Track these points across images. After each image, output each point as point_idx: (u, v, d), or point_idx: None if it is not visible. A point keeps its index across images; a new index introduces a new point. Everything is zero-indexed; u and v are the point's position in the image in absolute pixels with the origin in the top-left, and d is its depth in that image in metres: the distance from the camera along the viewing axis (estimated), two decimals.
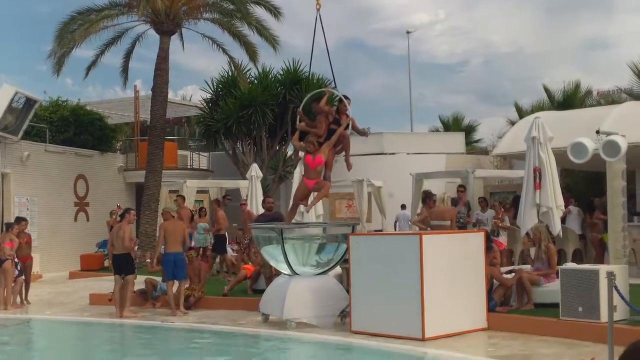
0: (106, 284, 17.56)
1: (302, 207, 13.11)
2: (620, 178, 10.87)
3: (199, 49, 59.35)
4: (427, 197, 15.42)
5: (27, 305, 15.57)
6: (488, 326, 10.69)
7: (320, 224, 15.35)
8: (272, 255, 12.32)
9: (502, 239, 15.69)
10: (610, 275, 8.46)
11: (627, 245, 11.32)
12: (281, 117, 25.22)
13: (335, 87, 14.11)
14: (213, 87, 26.53)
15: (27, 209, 22.24)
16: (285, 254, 11.76)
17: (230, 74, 25.69)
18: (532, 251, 12.44)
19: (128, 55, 24.77)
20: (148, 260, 16.39)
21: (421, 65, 70.81)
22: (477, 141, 37.55)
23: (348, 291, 11.32)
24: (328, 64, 14.03)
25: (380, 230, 20.65)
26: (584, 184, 22.37)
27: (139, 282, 14.68)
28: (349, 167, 12.58)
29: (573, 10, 70.48)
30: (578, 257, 16.41)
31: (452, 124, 37.11)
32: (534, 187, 12.14)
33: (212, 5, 23.69)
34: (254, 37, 23.87)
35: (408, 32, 41.45)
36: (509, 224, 16.15)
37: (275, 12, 23.56)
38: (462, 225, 15.20)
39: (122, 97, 30.59)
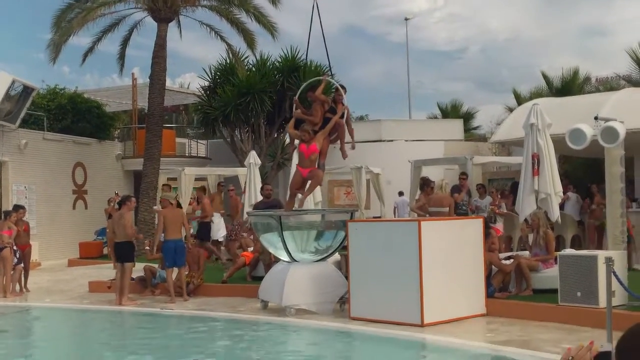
0: (105, 271, 17.61)
1: (299, 195, 13.11)
2: (619, 164, 10.87)
3: (196, 37, 59.17)
4: (425, 184, 15.42)
5: (26, 293, 15.59)
6: (487, 312, 10.73)
7: (319, 210, 15.37)
8: (271, 242, 12.33)
9: (499, 225, 15.71)
10: (609, 261, 8.49)
11: (625, 232, 11.34)
12: (279, 105, 25.17)
13: (332, 73, 14.14)
14: (211, 74, 26.46)
15: (26, 197, 22.24)
16: (284, 241, 11.77)
17: (228, 61, 25.62)
18: (530, 237, 12.47)
19: (125, 43, 24.71)
20: (147, 247, 16.39)
21: (420, 52, 70.74)
22: (475, 128, 37.57)
23: (347, 278, 11.35)
24: (326, 51, 14.02)
25: (379, 217, 20.67)
26: (582, 170, 22.41)
27: (138, 269, 14.70)
28: (344, 155, 12.57)
29: None
30: (577, 243, 16.43)
31: (450, 111, 37.09)
32: (532, 173, 12.13)
33: None
34: (251, 25, 23.84)
35: (406, 19, 41.37)
36: (505, 211, 16.17)
37: None
38: (464, 213, 15.14)
39: (120, 84, 30.57)
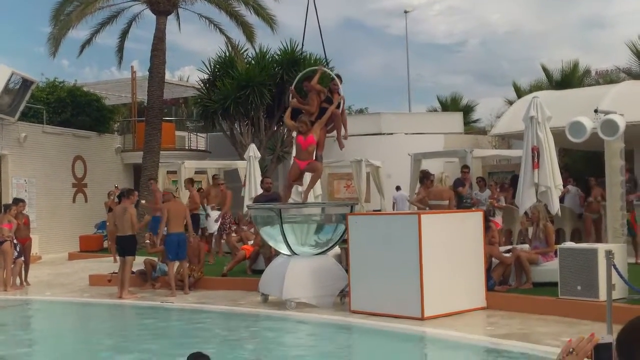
0: (105, 265, 17.62)
1: (299, 188, 13.10)
2: (619, 157, 10.86)
3: (195, 30, 59.24)
4: (425, 177, 15.41)
5: (26, 287, 15.60)
6: (487, 305, 10.74)
7: (319, 204, 15.38)
8: (271, 235, 12.34)
9: (498, 218, 15.70)
10: (609, 254, 8.50)
11: (625, 224, 11.35)
12: (279, 98, 25.13)
13: (327, 63, 14.16)
14: (210, 67, 26.42)
15: (26, 191, 22.23)
16: (284, 234, 11.77)
17: (227, 54, 25.59)
18: (530, 231, 12.47)
19: (124, 36, 24.67)
20: (147, 241, 16.40)
21: (419, 45, 70.68)
22: (475, 121, 37.56)
23: (347, 271, 11.36)
24: (326, 44, 14.01)
25: (379, 210, 20.68)
26: (582, 163, 22.41)
27: (138, 262, 14.71)
28: (341, 146, 12.58)
29: None
30: (577, 237, 16.42)
31: (450, 104, 37.07)
32: (532, 166, 12.13)
33: None
34: (251, 17, 23.79)
35: (406, 12, 41.33)
36: (504, 204, 16.16)
37: None
38: (469, 207, 15.08)
39: (119, 78, 30.49)
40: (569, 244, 11.16)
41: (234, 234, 18.50)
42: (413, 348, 9.65)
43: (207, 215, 18.12)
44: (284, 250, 12.11)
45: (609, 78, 27.24)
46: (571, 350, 2.38)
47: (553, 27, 68.79)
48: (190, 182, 18.74)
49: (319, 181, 17.17)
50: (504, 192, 16.83)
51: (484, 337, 9.23)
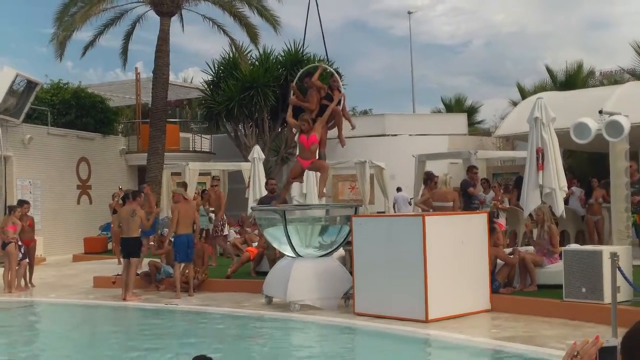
0: (110, 266, 17.64)
1: (304, 189, 13.10)
2: (624, 158, 10.84)
3: (199, 31, 59.33)
4: (429, 179, 15.36)
5: (31, 288, 15.61)
6: (491, 308, 10.71)
7: (323, 205, 15.35)
8: (275, 237, 12.33)
9: (502, 220, 15.63)
10: (614, 256, 8.46)
11: (630, 227, 11.32)
12: (283, 99, 25.09)
13: (328, 62, 14.24)
14: (214, 69, 26.43)
15: (30, 192, 22.26)
16: (289, 236, 11.76)
17: (231, 55, 25.60)
18: (535, 233, 12.44)
19: (128, 37, 24.71)
20: (152, 242, 16.40)
21: (423, 46, 70.75)
22: (479, 122, 37.52)
23: (351, 273, 11.34)
24: (328, 45, 14.05)
25: (383, 212, 20.67)
26: (587, 165, 22.35)
27: (142, 264, 14.71)
28: (342, 143, 12.58)
29: None
30: (581, 239, 16.36)
31: (454, 105, 37.02)
32: (536, 168, 12.10)
33: None
34: (254, 18, 23.84)
35: (409, 13, 41.35)
36: (508, 206, 16.10)
37: None
38: (477, 208, 14.97)
39: (123, 79, 30.53)
40: (573, 246, 11.13)
41: (237, 236, 18.52)
42: (417, 350, 9.64)
43: (210, 218, 18.13)
44: (288, 252, 12.11)
45: (613, 79, 27.17)
46: (576, 353, 2.37)
47: (557, 28, 68.78)
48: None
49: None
50: (507, 194, 16.78)
51: (488, 340, 9.20)
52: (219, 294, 13.68)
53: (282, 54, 25.68)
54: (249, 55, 25.40)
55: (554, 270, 11.03)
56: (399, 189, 22.16)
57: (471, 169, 15.66)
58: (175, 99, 32.40)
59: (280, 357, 9.50)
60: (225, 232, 18.62)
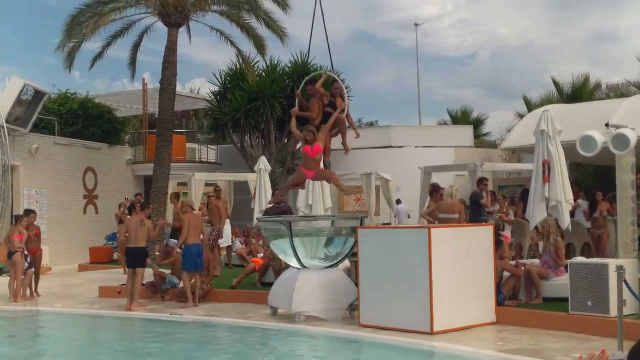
0: (115, 276, 17.64)
1: (309, 201, 13.09)
2: (630, 171, 10.82)
3: (207, 42, 59.54)
4: (435, 190, 15.34)
5: (36, 298, 15.63)
6: (497, 320, 10.69)
7: (328, 217, 15.37)
8: (281, 248, 12.33)
9: (507, 232, 15.59)
10: (620, 269, 8.44)
11: (636, 240, 11.28)
12: (289, 110, 25.19)
13: (333, 71, 14.28)
14: (221, 79, 26.52)
15: (37, 202, 22.32)
16: (294, 247, 11.76)
17: (238, 66, 25.67)
18: (541, 245, 12.42)
19: (136, 48, 24.76)
20: (157, 252, 16.42)
21: (429, 58, 70.80)
22: (485, 134, 37.50)
23: (357, 284, 11.33)
24: (335, 56, 14.08)
25: (389, 224, 20.66)
26: (593, 177, 22.31)
27: (148, 275, 14.72)
28: (346, 149, 12.59)
29: (582, 2, 70.22)
30: (587, 251, 16.33)
31: (460, 117, 37.03)
32: (542, 180, 12.10)
33: None
34: (261, 30, 23.83)
35: (416, 25, 41.37)
36: (513, 218, 16.06)
37: (283, 4, 23.49)
38: (486, 220, 14.91)
39: (130, 89, 30.64)
40: (579, 259, 11.11)
41: (243, 246, 18.53)
42: None
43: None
44: (293, 263, 12.10)
45: (619, 92, 27.18)
46: None
47: (563, 41, 68.83)
48: (176, 196, 18.79)
49: (328, 194, 17.21)
50: (513, 206, 16.75)
51: (494, 352, 9.17)
52: (224, 305, 13.68)
53: (289, 65, 25.76)
54: (255, 66, 25.46)
55: (559, 283, 11.00)
56: (398, 201, 22.19)
57: (482, 181, 15.61)
58: (182, 110, 32.47)
59: None
60: (225, 244, 18.63)
